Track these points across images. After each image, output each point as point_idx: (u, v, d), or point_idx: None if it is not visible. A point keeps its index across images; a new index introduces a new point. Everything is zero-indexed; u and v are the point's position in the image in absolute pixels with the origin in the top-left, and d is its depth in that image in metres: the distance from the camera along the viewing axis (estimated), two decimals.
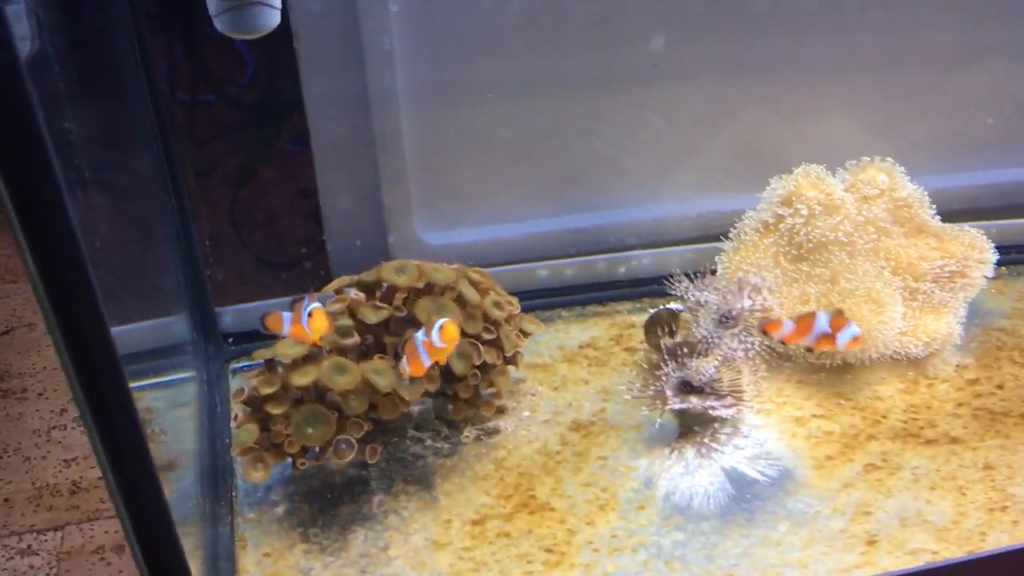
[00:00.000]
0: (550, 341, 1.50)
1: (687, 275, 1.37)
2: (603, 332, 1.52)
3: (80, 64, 1.03)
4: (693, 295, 1.36)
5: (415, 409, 1.36)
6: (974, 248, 1.42)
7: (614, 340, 1.50)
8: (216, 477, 1.26)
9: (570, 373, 1.44)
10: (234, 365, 1.47)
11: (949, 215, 1.55)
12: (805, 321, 1.22)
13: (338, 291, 1.33)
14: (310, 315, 1.17)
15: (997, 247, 1.55)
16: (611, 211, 1.64)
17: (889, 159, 1.48)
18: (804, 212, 1.42)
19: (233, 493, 1.25)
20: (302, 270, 1.60)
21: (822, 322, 1.21)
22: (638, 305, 1.57)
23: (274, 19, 1.24)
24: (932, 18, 1.58)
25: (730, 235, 1.51)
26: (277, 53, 1.49)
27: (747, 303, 1.35)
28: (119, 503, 0.73)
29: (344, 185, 1.55)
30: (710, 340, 1.34)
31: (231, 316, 1.50)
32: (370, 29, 1.41)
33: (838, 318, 1.21)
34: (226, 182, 1.54)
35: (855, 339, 1.21)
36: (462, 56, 1.49)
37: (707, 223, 1.63)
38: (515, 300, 1.39)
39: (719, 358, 1.32)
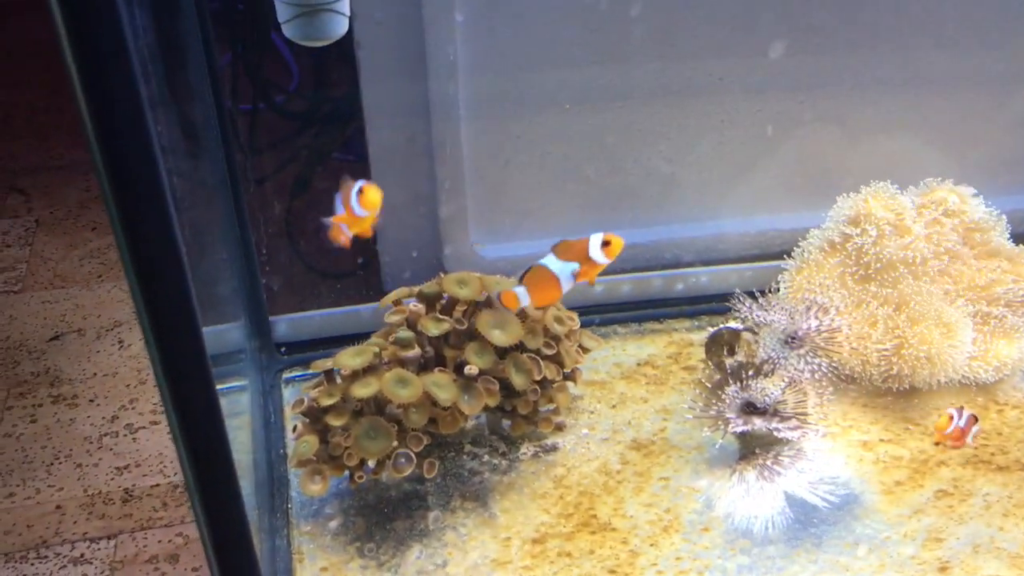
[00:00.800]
0: (607, 358, 1.48)
1: (751, 294, 1.35)
2: (661, 350, 1.49)
3: (160, 68, 1.03)
4: (758, 315, 1.33)
5: (469, 424, 1.34)
6: None
7: (672, 358, 1.47)
8: (272, 488, 1.24)
9: (628, 391, 1.41)
10: (287, 375, 1.46)
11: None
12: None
13: (396, 302, 1.32)
14: (361, 192, 1.07)
15: None
16: (669, 226, 1.62)
17: (963, 185, 1.44)
18: (873, 232, 1.38)
19: (288, 505, 1.23)
20: (355, 280, 1.59)
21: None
22: (696, 323, 1.54)
23: (343, 26, 1.23)
24: (1003, 36, 1.55)
25: (792, 254, 1.48)
26: (334, 62, 1.49)
27: (814, 323, 1.32)
28: (198, 507, 0.72)
29: (400, 195, 1.53)
30: (775, 361, 1.31)
31: (284, 325, 1.49)
32: (435, 38, 1.39)
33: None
34: (281, 190, 1.53)
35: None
36: (523, 67, 1.48)
37: (767, 241, 1.60)
38: (575, 315, 1.36)
39: (784, 379, 1.30)
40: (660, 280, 1.59)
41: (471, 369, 1.22)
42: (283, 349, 1.48)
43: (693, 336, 1.51)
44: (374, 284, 1.58)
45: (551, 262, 1.10)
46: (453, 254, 1.55)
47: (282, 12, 1.20)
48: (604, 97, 1.52)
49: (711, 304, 1.53)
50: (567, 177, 1.57)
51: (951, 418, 1.23)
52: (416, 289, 1.29)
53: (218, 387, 1.31)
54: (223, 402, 1.33)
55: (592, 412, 1.37)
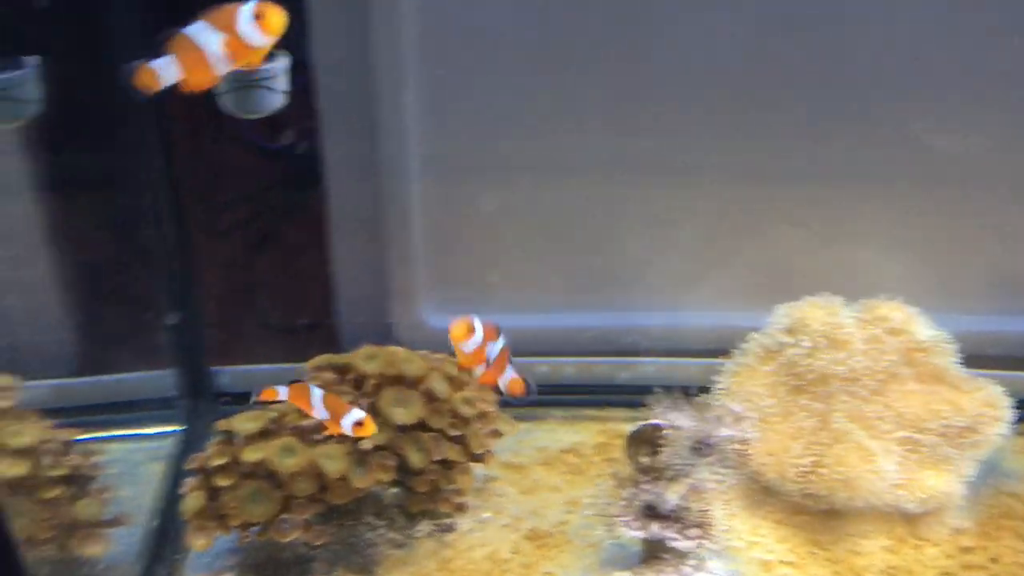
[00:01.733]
0: (534, 441, 1.47)
1: (667, 392, 1.32)
2: (590, 438, 1.48)
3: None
4: (668, 416, 1.30)
5: (385, 493, 1.36)
6: (989, 404, 1.31)
7: (598, 448, 1.46)
8: (167, 537, 1.28)
9: (544, 478, 1.40)
10: None
11: (987, 360, 1.45)
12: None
13: (318, 368, 1.34)
14: (260, 15, 0.87)
15: None
16: (626, 312, 1.60)
17: (912, 303, 1.39)
18: (807, 344, 1.34)
19: (177, 555, 1.26)
20: (309, 339, 1.63)
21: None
22: (635, 414, 1.51)
23: (277, 101, 1.28)
24: (1000, 145, 1.48)
25: (732, 355, 1.44)
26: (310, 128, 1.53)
27: (725, 432, 1.29)
28: None
29: (358, 260, 1.57)
30: (682, 466, 1.28)
31: (229, 376, 1.54)
32: (387, 111, 1.44)
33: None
34: (246, 245, 1.59)
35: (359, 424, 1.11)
36: (486, 139, 1.50)
37: (722, 337, 1.55)
38: (492, 398, 1.37)
39: (688, 486, 1.27)
40: (606, 366, 1.58)
41: (365, 443, 1.24)
42: (225, 400, 1.53)
43: (627, 427, 1.48)
44: (333, 343, 1.61)
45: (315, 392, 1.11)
46: (402, 322, 1.57)
47: (219, 85, 1.26)
48: (569, 177, 1.53)
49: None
50: (526, 253, 1.58)
51: (471, 328, 1.04)
52: (330, 358, 1.32)
53: (138, 432, 1.38)
54: (145, 447, 1.40)
55: (501, 496, 1.37)
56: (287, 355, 1.60)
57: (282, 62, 1.27)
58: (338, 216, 1.54)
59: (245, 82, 1.24)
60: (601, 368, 1.58)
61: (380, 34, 1.39)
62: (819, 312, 1.37)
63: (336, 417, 1.09)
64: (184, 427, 1.45)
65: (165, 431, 1.44)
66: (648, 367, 1.57)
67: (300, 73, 1.42)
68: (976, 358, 1.43)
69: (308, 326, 1.63)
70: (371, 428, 1.10)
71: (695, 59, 1.44)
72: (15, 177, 1.43)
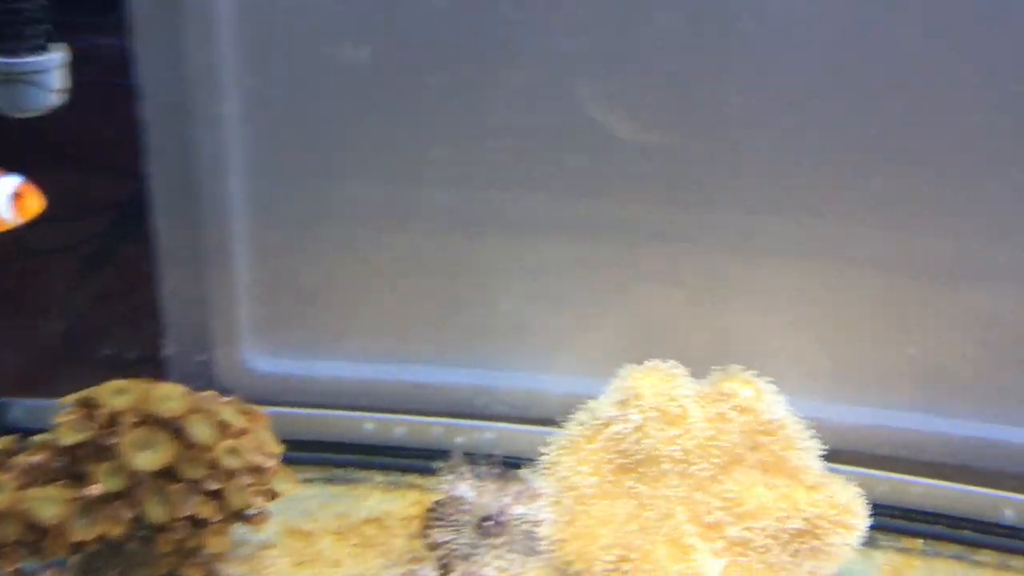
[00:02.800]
0: (339, 506, 1.30)
1: (465, 459, 1.15)
2: (403, 507, 1.30)
3: None
4: (456, 487, 1.12)
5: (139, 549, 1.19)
6: (835, 507, 1.09)
7: (407, 520, 1.28)
8: None
9: (329, 549, 1.22)
10: None
11: (884, 461, 1.26)
12: None
13: (80, 403, 1.20)
14: (18, 195, 0.92)
15: (924, 512, 1.24)
16: (471, 370, 1.43)
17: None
18: (636, 418, 1.16)
19: None
20: (131, 375, 1.49)
21: None
22: None
23: (46, 100, 1.16)
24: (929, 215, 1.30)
25: (566, 425, 1.26)
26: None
27: (519, 510, 1.11)
28: None
29: (185, 297, 1.43)
30: (461, 547, 1.09)
31: (21, 410, 1.41)
32: (202, 129, 1.31)
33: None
34: (68, 269, 1.47)
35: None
36: (322, 176, 1.37)
37: (574, 406, 1.38)
38: (274, 451, 1.20)
39: (463, 572, 1.08)
40: (440, 428, 1.40)
41: (92, 489, 1.09)
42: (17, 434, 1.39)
43: None
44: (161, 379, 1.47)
45: None
46: (219, 361, 1.43)
47: None
48: (421, 218, 1.38)
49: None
50: (369, 300, 1.43)
51: None
52: (81, 393, 1.18)
53: None
54: None
55: (270, 566, 1.19)
56: None
57: (55, 56, 1.15)
58: (166, 248, 1.41)
59: (7, 76, 1.13)
60: (436, 430, 1.40)
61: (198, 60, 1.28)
62: (654, 381, 1.18)
63: None
64: None
65: None
66: (487, 432, 1.39)
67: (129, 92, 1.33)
68: (866, 457, 1.24)
69: (132, 361, 1.50)
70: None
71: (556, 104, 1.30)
72: None
